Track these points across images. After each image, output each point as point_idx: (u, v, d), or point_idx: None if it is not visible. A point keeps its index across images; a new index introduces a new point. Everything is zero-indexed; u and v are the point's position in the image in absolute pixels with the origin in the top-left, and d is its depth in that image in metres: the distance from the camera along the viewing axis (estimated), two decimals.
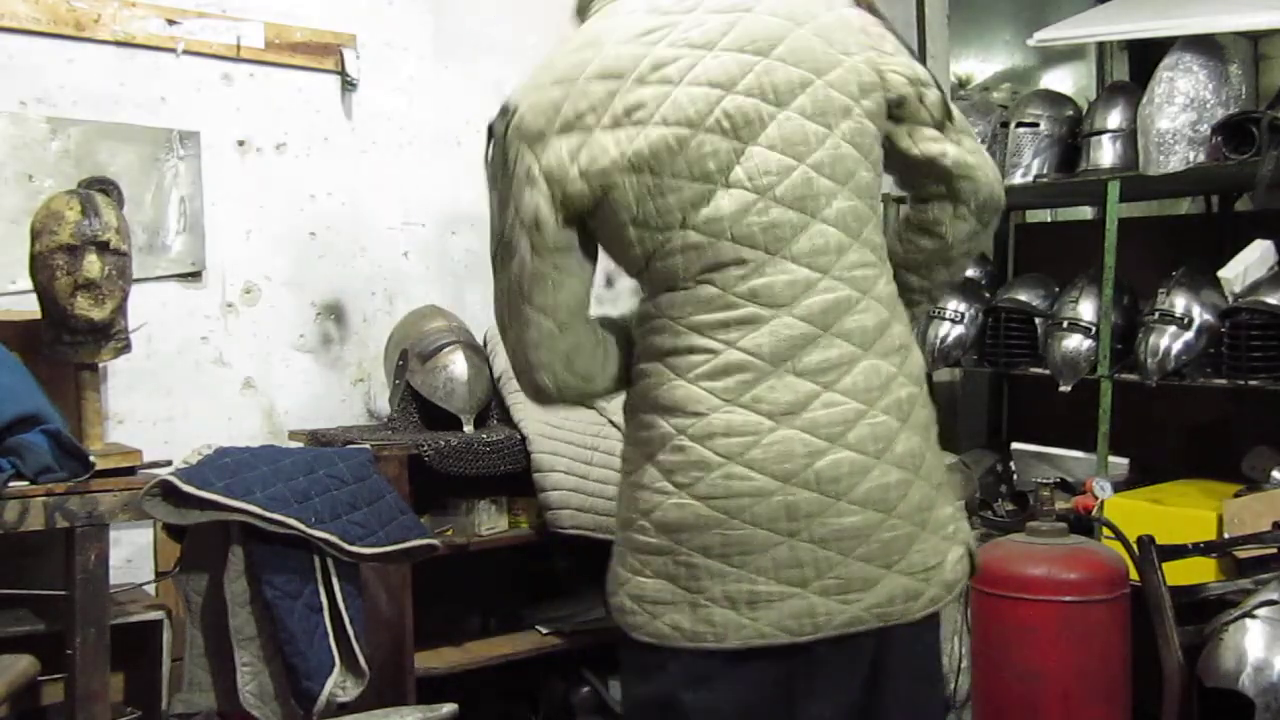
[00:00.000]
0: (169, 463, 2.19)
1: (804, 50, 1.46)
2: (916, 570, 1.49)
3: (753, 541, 1.44)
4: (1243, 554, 2.58)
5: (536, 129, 1.44)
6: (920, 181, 1.58)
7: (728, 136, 1.43)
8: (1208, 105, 2.88)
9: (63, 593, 2.12)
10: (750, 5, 1.47)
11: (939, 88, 1.56)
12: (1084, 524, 2.72)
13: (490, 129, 1.50)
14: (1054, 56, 4.54)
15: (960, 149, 1.55)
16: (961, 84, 4.47)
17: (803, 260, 1.45)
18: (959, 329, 3.39)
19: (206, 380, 2.75)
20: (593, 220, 1.47)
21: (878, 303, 1.49)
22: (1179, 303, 2.89)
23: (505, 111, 1.47)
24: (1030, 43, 3.40)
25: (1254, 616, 2.32)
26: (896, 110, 1.52)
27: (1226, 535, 2.61)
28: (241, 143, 2.79)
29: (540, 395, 1.54)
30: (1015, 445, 3.48)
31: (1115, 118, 3.13)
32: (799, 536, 1.45)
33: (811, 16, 1.49)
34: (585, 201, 1.44)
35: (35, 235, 2.20)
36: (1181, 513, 2.77)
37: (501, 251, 1.50)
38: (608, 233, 1.48)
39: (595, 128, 1.42)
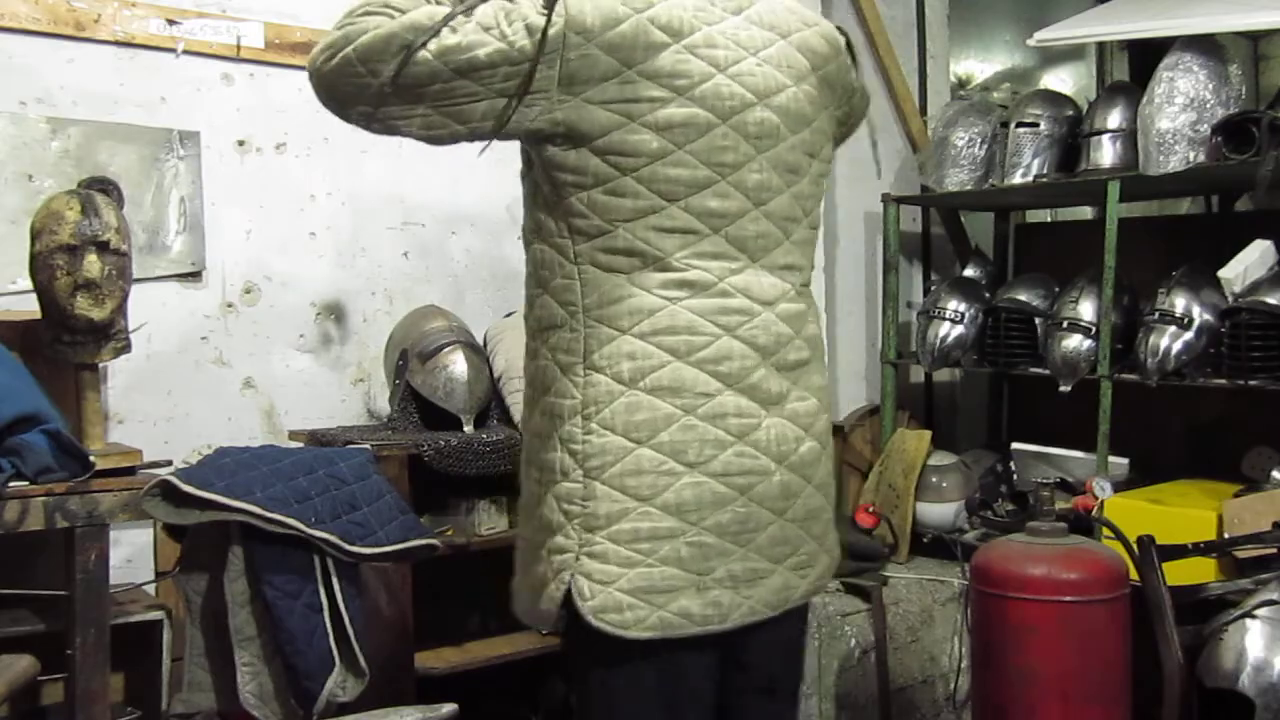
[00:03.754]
0: (169, 463, 2.19)
1: (818, 89, 1.62)
2: (834, 550, 1.69)
3: (755, 520, 1.53)
4: (1243, 554, 2.58)
5: (586, 25, 1.40)
6: None
7: (748, 140, 1.52)
8: (1208, 105, 2.87)
9: (63, 593, 2.12)
10: (786, 33, 1.59)
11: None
12: (1084, 524, 2.72)
13: None
14: (1054, 56, 4.54)
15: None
16: (961, 84, 4.46)
17: (775, 273, 1.58)
18: (959, 329, 3.39)
19: (206, 380, 2.75)
20: (562, 148, 1.44)
21: (814, 317, 1.67)
22: (1179, 303, 2.89)
23: None
24: (1030, 43, 3.40)
25: (1254, 616, 2.32)
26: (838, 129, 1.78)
27: (1226, 535, 2.61)
28: (241, 143, 2.79)
29: (329, 53, 1.41)
30: (1015, 445, 3.48)
31: (1115, 118, 3.13)
32: (786, 515, 1.56)
33: (825, 61, 1.65)
34: (586, 128, 1.43)
35: (35, 235, 2.19)
36: (1181, 513, 2.77)
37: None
38: (590, 171, 1.45)
39: (638, 65, 1.43)
